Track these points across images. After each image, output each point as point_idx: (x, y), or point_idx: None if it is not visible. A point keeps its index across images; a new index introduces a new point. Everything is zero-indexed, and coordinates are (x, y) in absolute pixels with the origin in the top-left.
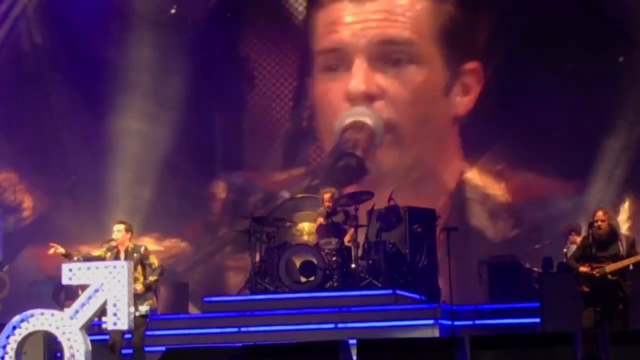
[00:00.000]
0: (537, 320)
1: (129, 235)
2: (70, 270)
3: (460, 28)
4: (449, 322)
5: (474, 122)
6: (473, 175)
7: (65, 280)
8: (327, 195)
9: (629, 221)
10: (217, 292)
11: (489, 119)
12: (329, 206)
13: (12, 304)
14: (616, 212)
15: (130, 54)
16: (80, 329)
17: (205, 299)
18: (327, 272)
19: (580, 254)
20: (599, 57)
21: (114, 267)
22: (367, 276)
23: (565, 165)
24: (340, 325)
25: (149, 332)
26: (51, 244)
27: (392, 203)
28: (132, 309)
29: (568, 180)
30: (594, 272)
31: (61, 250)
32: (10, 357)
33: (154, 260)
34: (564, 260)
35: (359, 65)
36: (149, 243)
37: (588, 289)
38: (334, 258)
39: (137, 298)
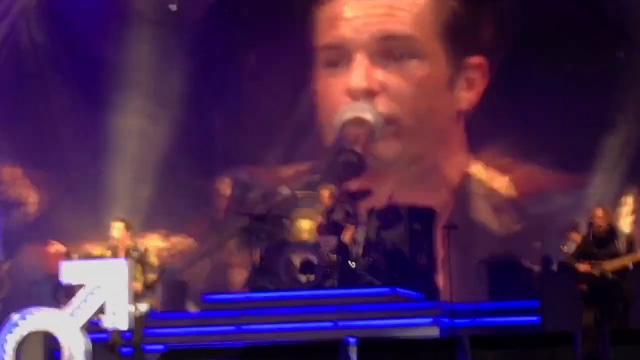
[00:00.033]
0: (537, 319)
1: (128, 233)
2: (70, 268)
3: (464, 23)
4: (449, 321)
5: (479, 116)
6: (478, 170)
7: (64, 279)
8: (326, 193)
9: (634, 215)
10: (220, 289)
11: (494, 113)
12: (328, 203)
13: (12, 303)
14: (620, 205)
15: (130, 53)
16: (80, 328)
17: (205, 297)
18: (327, 270)
19: (580, 252)
20: (599, 57)
21: (114, 265)
22: (366, 275)
23: (570, 158)
24: (339, 324)
25: (148, 331)
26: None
27: (392, 201)
28: (132, 308)
29: (572, 174)
30: (593, 271)
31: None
32: (10, 356)
33: (154, 259)
34: (563, 258)
35: (360, 61)
36: (156, 240)
37: (587, 288)
38: (333, 257)
39: (137, 297)
